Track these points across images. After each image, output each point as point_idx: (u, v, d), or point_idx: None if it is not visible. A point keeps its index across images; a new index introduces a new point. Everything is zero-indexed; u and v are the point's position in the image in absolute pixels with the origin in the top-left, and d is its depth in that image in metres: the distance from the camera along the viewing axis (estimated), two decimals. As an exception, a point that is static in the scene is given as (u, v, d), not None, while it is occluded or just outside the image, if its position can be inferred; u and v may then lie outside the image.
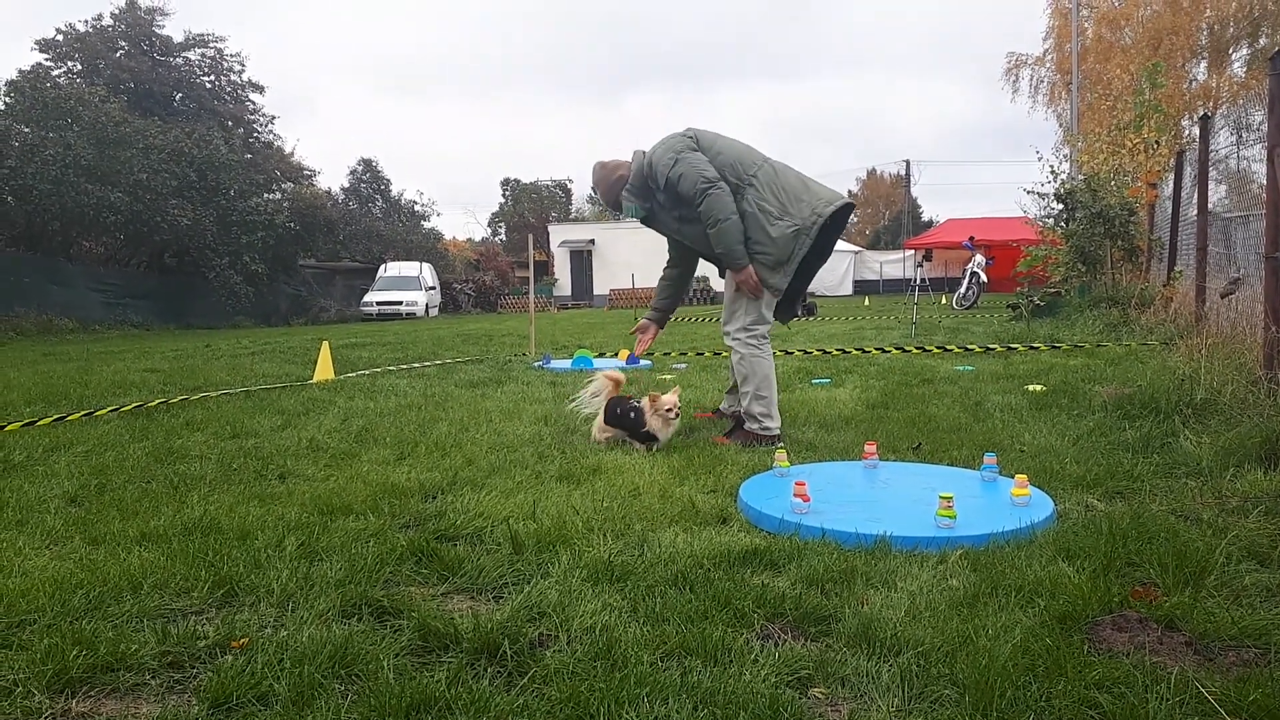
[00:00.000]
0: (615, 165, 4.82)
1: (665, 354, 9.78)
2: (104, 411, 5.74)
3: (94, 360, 11.02)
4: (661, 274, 5.18)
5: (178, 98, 32.95)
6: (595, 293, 42.93)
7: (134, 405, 5.99)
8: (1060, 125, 30.10)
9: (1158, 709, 1.67)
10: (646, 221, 4.89)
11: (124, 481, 3.80)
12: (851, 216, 5.25)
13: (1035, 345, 8.83)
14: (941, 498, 2.85)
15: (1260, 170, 5.23)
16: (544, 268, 43.78)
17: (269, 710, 1.81)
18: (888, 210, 70.82)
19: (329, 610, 2.28)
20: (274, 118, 37.57)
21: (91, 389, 7.43)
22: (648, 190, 4.72)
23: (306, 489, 3.57)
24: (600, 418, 4.58)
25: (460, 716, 1.75)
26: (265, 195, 30.85)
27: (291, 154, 38.36)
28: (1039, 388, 5.89)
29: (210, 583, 2.46)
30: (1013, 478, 3.19)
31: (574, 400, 4.86)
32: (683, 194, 4.53)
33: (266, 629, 2.20)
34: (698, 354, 9.53)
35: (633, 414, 4.39)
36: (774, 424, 4.55)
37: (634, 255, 41.62)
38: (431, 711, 1.78)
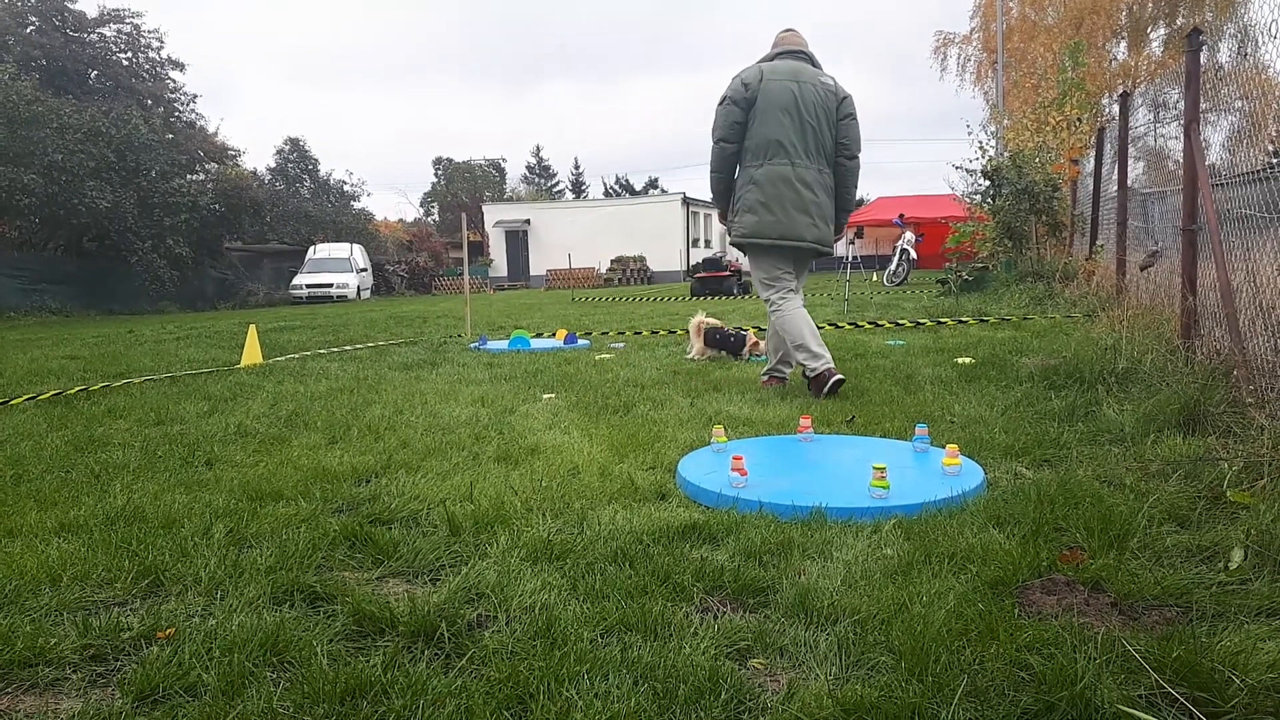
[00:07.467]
0: (785, 39, 5.40)
1: (604, 334, 9.75)
2: (19, 400, 5.52)
3: (8, 348, 10.62)
4: None
5: (93, 75, 31.60)
6: (532, 273, 42.60)
7: (52, 393, 5.77)
8: (987, 103, 30.63)
9: (1086, 667, 1.70)
10: None
11: (42, 471, 3.66)
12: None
13: (964, 319, 9.01)
14: (875, 469, 2.89)
15: (1176, 147, 5.37)
16: (479, 248, 43.29)
17: (197, 701, 1.75)
18: (821, 188, 71.31)
19: (259, 598, 2.22)
20: (195, 96, 36.31)
21: (6, 377, 7.15)
22: None
23: (235, 475, 3.48)
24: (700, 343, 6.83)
25: (397, 700, 1.72)
26: (188, 176, 29.91)
27: (215, 134, 37.12)
28: (968, 360, 6.01)
29: (134, 573, 2.38)
30: (944, 448, 3.24)
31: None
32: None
33: (194, 618, 2.14)
34: (635, 333, 9.52)
35: (732, 338, 6.82)
36: (820, 363, 4.97)
37: (570, 235, 41.43)
38: (367, 696, 1.74)
